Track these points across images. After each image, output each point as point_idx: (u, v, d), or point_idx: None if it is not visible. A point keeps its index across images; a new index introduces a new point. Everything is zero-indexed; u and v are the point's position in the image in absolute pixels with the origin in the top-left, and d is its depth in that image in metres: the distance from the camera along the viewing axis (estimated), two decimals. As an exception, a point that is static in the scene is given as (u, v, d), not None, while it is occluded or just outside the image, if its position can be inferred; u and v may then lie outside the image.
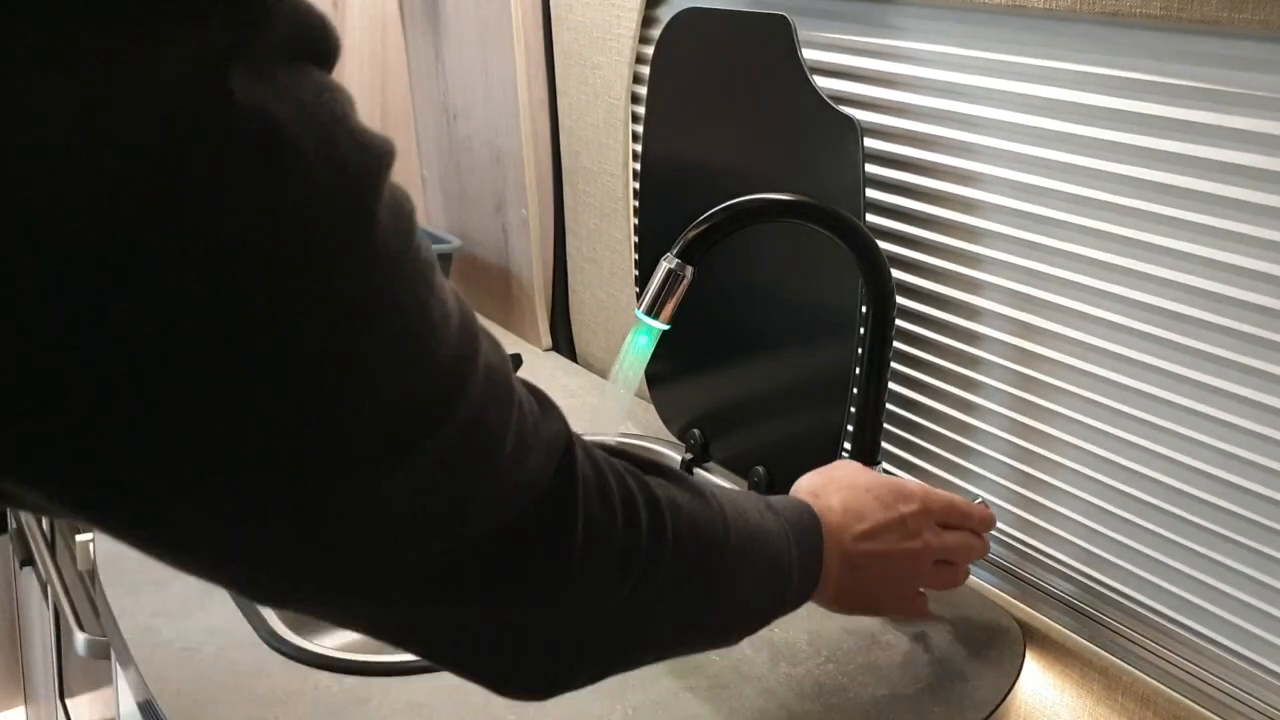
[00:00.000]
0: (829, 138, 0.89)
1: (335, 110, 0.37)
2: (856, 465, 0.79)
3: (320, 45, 0.37)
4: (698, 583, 0.56)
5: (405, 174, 1.66)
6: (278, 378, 0.36)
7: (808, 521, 0.68)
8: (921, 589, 0.79)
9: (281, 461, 0.37)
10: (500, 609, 0.48)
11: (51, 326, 0.32)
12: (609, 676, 0.56)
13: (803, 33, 0.92)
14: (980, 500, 0.83)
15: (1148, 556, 0.79)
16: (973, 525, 0.78)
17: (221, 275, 0.34)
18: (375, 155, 0.38)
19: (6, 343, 0.32)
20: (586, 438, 0.52)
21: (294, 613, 0.45)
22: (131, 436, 0.35)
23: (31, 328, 0.32)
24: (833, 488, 0.73)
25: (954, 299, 0.89)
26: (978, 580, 0.91)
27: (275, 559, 0.41)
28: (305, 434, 0.37)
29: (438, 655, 0.50)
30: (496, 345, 0.46)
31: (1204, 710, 0.76)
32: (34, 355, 0.32)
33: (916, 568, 0.75)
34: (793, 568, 0.65)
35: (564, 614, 0.50)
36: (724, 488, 0.63)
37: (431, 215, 1.66)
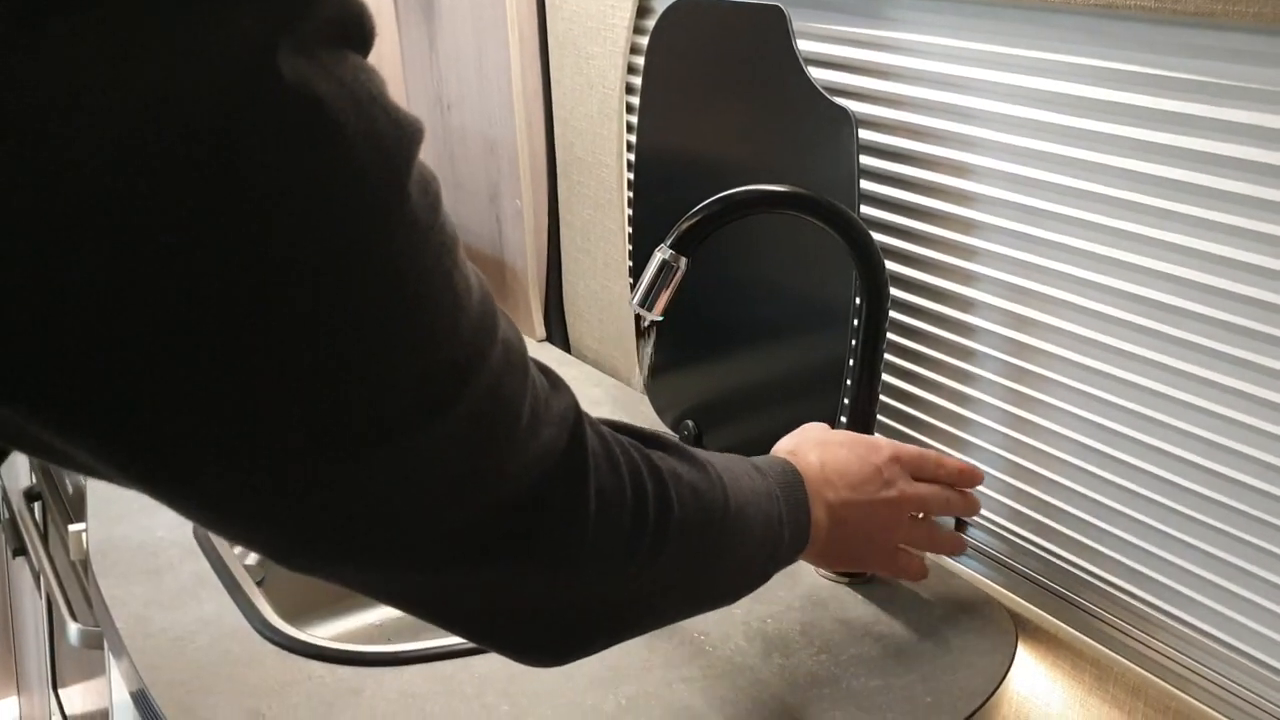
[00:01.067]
0: (824, 129, 0.89)
1: (372, 89, 0.39)
2: (824, 425, 0.81)
3: (359, 29, 0.39)
4: (702, 549, 0.58)
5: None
6: (315, 342, 0.38)
7: (791, 478, 0.70)
8: (914, 551, 0.80)
9: (313, 423, 0.39)
10: (517, 577, 0.49)
11: (103, 294, 0.34)
12: (620, 642, 0.58)
13: (797, 24, 0.92)
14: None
15: (1139, 548, 0.79)
16: (947, 477, 0.80)
17: (267, 246, 0.36)
18: (408, 133, 0.40)
19: (58, 309, 0.34)
20: None
21: (319, 578, 0.46)
22: (171, 396, 0.36)
23: (83, 296, 0.34)
24: (808, 445, 0.76)
25: (948, 291, 0.89)
26: (970, 571, 0.91)
27: (300, 520, 0.42)
28: (337, 397, 0.39)
29: (456, 622, 0.51)
30: (511, 322, 0.48)
31: (1194, 700, 0.77)
32: (84, 322, 0.34)
33: (895, 517, 0.77)
34: (783, 525, 0.67)
35: (578, 582, 0.52)
36: (714, 453, 0.64)
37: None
